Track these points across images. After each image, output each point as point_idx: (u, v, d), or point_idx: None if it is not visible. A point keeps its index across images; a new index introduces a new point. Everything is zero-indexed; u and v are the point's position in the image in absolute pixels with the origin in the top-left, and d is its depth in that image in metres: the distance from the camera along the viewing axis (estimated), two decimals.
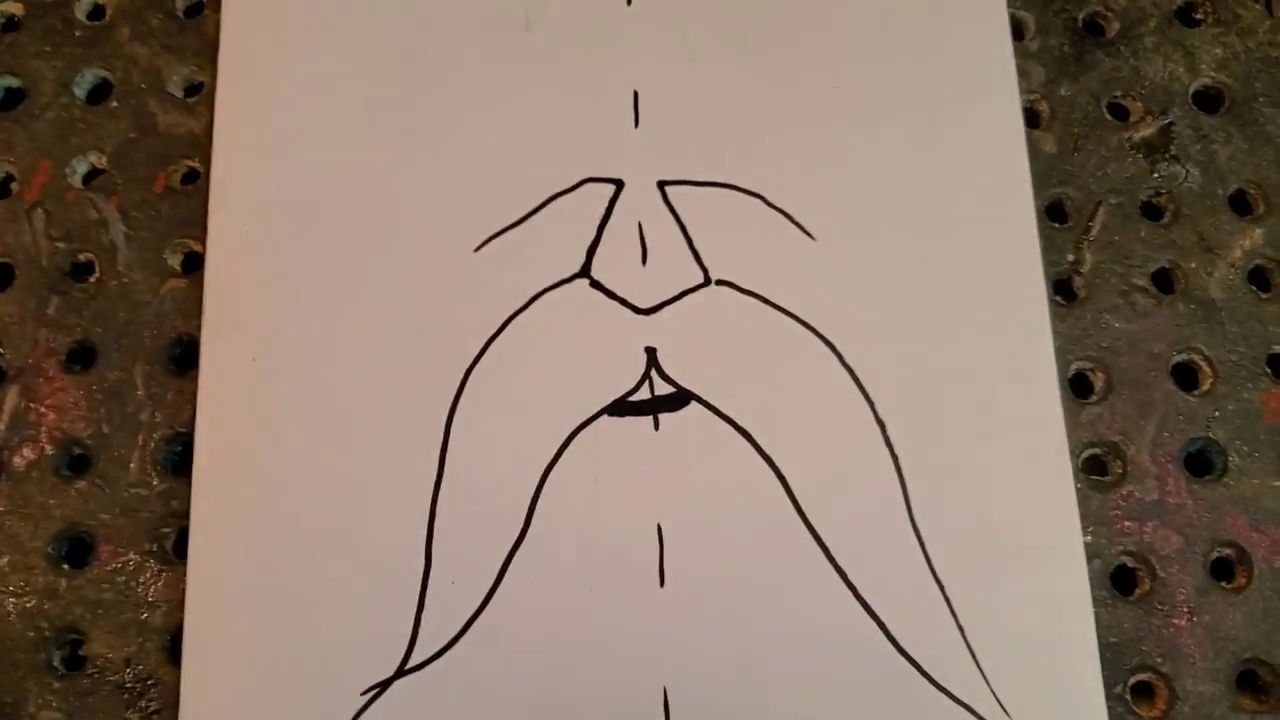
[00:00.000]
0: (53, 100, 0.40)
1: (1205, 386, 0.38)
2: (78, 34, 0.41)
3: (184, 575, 0.35)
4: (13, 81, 0.40)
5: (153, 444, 0.37)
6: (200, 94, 0.40)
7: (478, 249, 0.38)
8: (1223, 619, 0.35)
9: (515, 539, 0.35)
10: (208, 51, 0.40)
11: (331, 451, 0.36)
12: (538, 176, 0.39)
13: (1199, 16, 0.42)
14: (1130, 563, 0.36)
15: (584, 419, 0.37)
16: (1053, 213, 0.39)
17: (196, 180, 0.39)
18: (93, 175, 0.40)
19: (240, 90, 0.40)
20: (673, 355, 0.37)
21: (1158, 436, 0.37)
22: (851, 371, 0.37)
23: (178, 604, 0.35)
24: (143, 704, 0.35)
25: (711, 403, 0.37)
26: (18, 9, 0.41)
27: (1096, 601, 0.35)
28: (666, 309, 0.38)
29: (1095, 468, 0.37)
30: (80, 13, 0.41)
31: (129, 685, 0.35)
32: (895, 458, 0.36)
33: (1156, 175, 0.40)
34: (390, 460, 0.36)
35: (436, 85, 0.40)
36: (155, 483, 0.36)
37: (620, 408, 0.37)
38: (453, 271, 0.38)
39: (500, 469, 0.36)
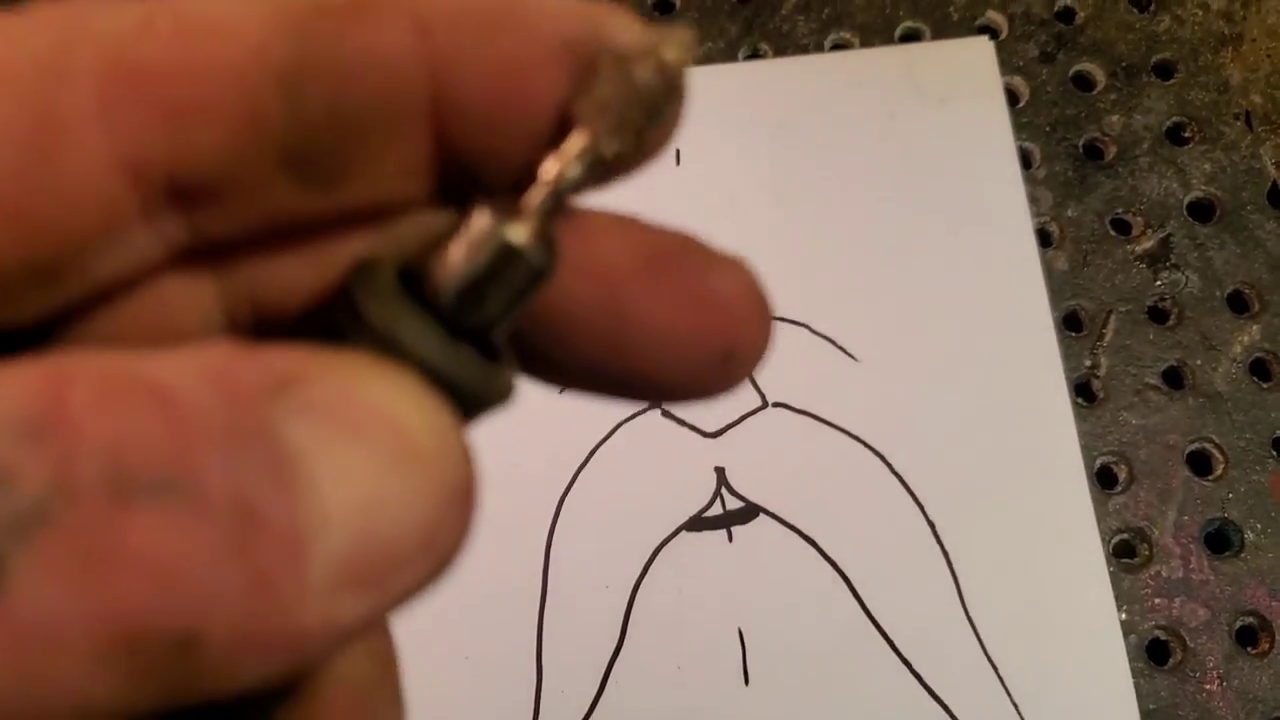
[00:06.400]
0: None
1: (1218, 471, 0.42)
2: None
3: None
4: None
5: None
6: None
7: (562, 390, 0.43)
8: (1250, 682, 0.39)
9: (614, 649, 0.40)
10: None
11: (449, 579, 0.41)
12: None
13: (1187, 135, 0.47)
14: (1162, 636, 0.40)
15: (665, 536, 0.41)
16: (1069, 323, 0.44)
17: None
18: None
19: None
20: (740, 473, 0.42)
21: (1179, 519, 0.41)
22: (901, 478, 0.42)
23: None
24: None
25: (778, 514, 0.42)
26: None
27: (1135, 673, 0.39)
28: (731, 431, 0.43)
29: (1125, 551, 0.41)
30: None
31: None
32: (946, 554, 0.41)
33: (1159, 283, 0.44)
34: (501, 584, 0.41)
35: None
36: None
37: (697, 523, 0.42)
38: (542, 411, 0.43)
39: (596, 586, 0.41)
